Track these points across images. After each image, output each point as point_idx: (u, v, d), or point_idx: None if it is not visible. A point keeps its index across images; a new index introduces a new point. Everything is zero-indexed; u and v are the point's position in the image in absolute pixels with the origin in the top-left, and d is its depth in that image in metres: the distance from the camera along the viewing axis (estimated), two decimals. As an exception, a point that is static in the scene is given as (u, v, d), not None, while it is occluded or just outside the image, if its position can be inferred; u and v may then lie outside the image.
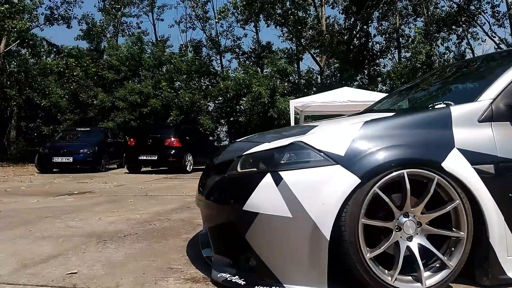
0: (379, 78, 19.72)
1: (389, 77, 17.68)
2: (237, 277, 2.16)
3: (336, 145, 2.07)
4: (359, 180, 1.98)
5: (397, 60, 19.18)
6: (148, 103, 18.12)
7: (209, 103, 18.96)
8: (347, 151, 2.04)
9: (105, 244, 3.18)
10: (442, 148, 2.08)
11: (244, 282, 2.09)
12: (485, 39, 22.92)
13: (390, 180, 2.02)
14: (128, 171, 12.30)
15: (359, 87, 17.81)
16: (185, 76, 19.02)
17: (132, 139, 12.41)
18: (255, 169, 2.17)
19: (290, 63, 18.79)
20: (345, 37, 18.70)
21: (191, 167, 12.28)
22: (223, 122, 20.03)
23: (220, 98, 18.74)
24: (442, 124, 2.16)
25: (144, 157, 11.77)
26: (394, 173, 2.02)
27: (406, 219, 2.07)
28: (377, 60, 20.69)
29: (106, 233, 3.60)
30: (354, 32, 19.29)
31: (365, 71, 20.51)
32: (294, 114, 11.97)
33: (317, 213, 1.96)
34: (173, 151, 11.77)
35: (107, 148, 13.18)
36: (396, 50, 20.77)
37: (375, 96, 11.35)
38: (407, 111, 2.59)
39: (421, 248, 2.07)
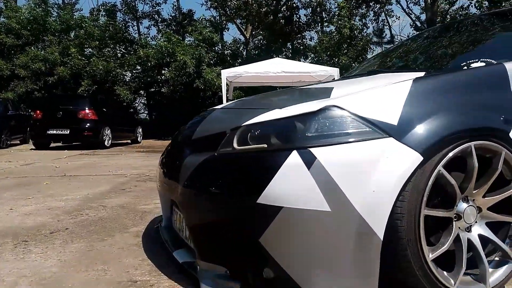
0: (305, 51, 19.62)
1: (315, 50, 17.59)
2: (244, 295, 1.53)
3: (385, 110, 1.50)
4: (421, 158, 1.44)
5: (321, 34, 19.16)
6: (54, 71, 16.13)
7: (125, 73, 17.41)
8: (400, 118, 1.48)
9: (27, 247, 2.34)
10: (506, 114, 1.61)
11: (259, 304, 1.47)
12: (399, 16, 23.87)
13: (453, 156, 1.51)
14: (34, 147, 10.79)
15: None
16: (97, 42, 17.18)
17: (38, 112, 10.84)
18: (264, 145, 1.53)
19: (215, 32, 17.83)
20: (272, 8, 18.16)
21: (110, 141, 11.14)
22: (142, 93, 18.59)
23: (139, 68, 17.29)
24: (500, 84, 1.69)
25: (54, 131, 10.37)
26: (462, 147, 1.51)
27: (466, 205, 1.59)
28: (303, 33, 20.55)
29: (24, 229, 2.72)
30: (281, 3, 18.83)
31: (291, 44, 20.29)
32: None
33: (365, 205, 1.40)
34: (88, 124, 10.52)
35: (8, 122, 11.44)
36: (320, 25, 20.80)
37: (309, 68, 11.07)
38: (453, 69, 2.04)
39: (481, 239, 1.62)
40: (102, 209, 3.34)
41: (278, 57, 13.50)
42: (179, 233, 2.10)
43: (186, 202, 1.77)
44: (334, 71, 10.57)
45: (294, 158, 1.44)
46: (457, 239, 1.56)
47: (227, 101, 10.34)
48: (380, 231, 1.40)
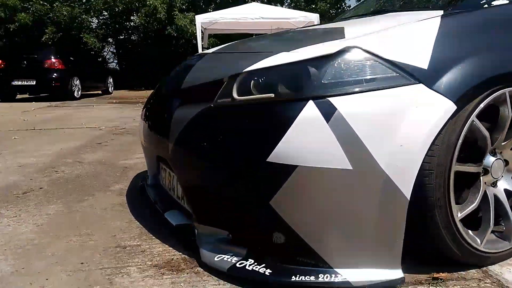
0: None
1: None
2: (251, 261, 1.37)
3: (413, 52, 1.30)
4: (454, 107, 1.26)
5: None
6: (15, 18, 15.00)
7: (92, 19, 16.39)
8: (430, 61, 1.29)
9: (-3, 211, 2.11)
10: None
11: (270, 271, 1.32)
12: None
13: (487, 105, 1.34)
14: (-1, 99, 10.18)
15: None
16: (59, -15, 15.95)
17: (0, 61, 10.11)
18: (271, 95, 1.32)
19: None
20: None
21: (80, 92, 10.63)
22: (110, 41, 17.65)
23: (106, 13, 16.29)
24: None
25: (19, 83, 9.77)
26: (496, 94, 1.34)
27: (494, 158, 1.45)
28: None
29: (-7, 190, 2.47)
30: None
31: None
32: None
33: (391, 161, 1.23)
34: (56, 74, 9.94)
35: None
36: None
37: (288, 13, 10.62)
38: (483, 5, 1.80)
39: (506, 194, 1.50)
40: (79, 165, 3.09)
41: (254, 1, 12.87)
42: (170, 193, 1.91)
43: (179, 161, 1.56)
44: (314, 17, 10.18)
45: (310, 109, 1.24)
46: (484, 195, 1.43)
47: (202, 50, 9.87)
48: (407, 190, 1.24)
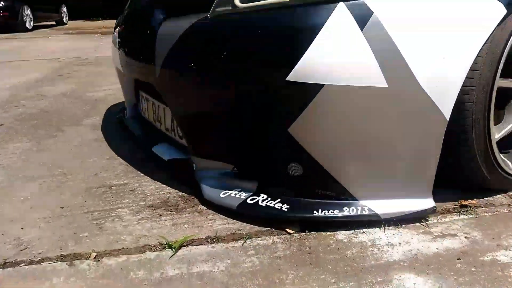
0: None
1: None
2: (264, 196, 1.20)
3: None
4: (504, 11, 1.06)
5: None
6: None
7: None
8: None
9: (-48, 151, 1.82)
10: None
11: (287, 207, 1.15)
12: None
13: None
14: None
15: None
16: None
17: None
18: None
19: None
20: None
21: (32, 23, 9.74)
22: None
23: None
24: None
25: (-39, 12, 8.78)
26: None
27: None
28: None
29: None
30: None
31: None
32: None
33: (432, 77, 1.04)
34: (3, 2, 8.97)
35: None
36: None
37: None
38: None
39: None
40: (42, 99, 2.77)
41: None
42: (155, 124, 1.67)
43: (170, 87, 1.31)
44: None
45: (340, 14, 1.01)
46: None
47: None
48: (447, 110, 1.07)
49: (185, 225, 1.19)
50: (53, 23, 11.52)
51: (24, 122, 2.23)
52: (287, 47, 1.04)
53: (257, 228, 1.17)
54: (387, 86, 1.03)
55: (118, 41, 1.69)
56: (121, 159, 1.70)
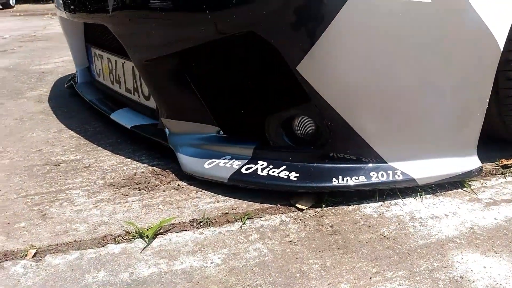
0: None
1: None
2: (263, 164, 0.90)
3: None
4: None
5: None
6: None
7: None
8: None
9: None
10: None
11: (296, 175, 0.87)
12: None
13: None
14: None
15: None
16: None
17: None
18: None
19: None
20: None
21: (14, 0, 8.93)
22: None
23: None
24: None
25: None
26: None
27: None
28: None
29: None
30: None
31: None
32: None
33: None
34: None
35: None
36: None
37: None
38: None
39: None
40: (-23, 73, 2.34)
41: None
42: (113, 87, 1.34)
43: (129, 25, 0.98)
44: None
45: None
46: None
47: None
48: (501, 35, 0.81)
49: (160, 206, 0.88)
50: (-1, 6, 10.66)
51: (-48, 97, 1.83)
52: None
53: (256, 205, 0.88)
54: (430, 0, 0.75)
55: None
56: (72, 131, 1.36)
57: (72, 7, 1.20)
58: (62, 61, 2.62)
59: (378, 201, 0.88)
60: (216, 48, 0.89)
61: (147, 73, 1.03)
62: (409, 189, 0.91)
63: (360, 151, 0.87)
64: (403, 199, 0.89)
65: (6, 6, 10.91)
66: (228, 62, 0.91)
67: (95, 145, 1.23)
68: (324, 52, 0.77)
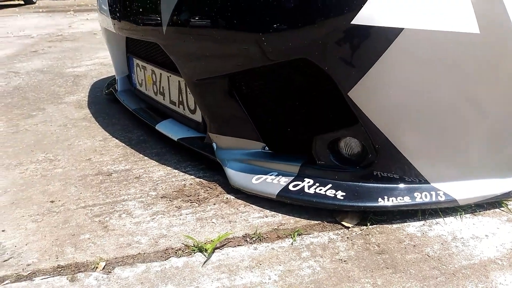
0: None
1: None
2: (310, 181, 0.96)
3: None
4: None
5: None
6: None
7: None
8: None
9: None
10: None
11: (343, 194, 0.91)
12: None
13: None
14: None
15: None
16: None
17: None
18: None
19: None
20: None
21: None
22: None
23: None
24: None
25: None
26: None
27: None
28: None
29: None
30: None
31: None
32: None
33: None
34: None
35: None
36: None
37: None
38: None
39: None
40: (15, 76, 2.43)
41: None
42: (156, 98, 1.40)
43: (182, 45, 1.03)
44: None
45: None
46: None
47: None
48: (547, 66, 0.84)
49: (213, 220, 0.94)
50: (21, 2, 10.84)
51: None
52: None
53: (303, 221, 0.93)
54: (478, 32, 0.79)
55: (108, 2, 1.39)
56: (117, 140, 1.42)
57: (122, 24, 1.26)
58: (93, 64, 2.70)
59: (420, 220, 0.93)
60: (268, 71, 0.94)
61: (197, 91, 1.08)
62: (449, 208, 0.95)
63: (404, 172, 0.91)
64: (444, 218, 0.93)
65: (28, 2, 11.10)
66: (278, 84, 0.96)
67: (141, 155, 1.30)
68: (376, 80, 0.82)
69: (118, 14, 1.27)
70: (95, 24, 5.17)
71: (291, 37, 0.84)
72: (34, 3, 11.23)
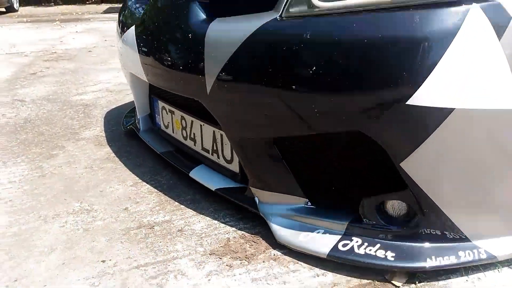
0: None
1: None
2: (358, 241, 1.01)
3: None
4: None
5: None
6: None
7: None
8: None
9: None
10: None
11: (393, 254, 0.97)
12: None
13: None
14: None
15: None
16: None
17: None
18: None
19: None
20: None
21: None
22: None
23: None
24: None
25: None
26: None
27: None
28: None
29: None
30: None
31: None
32: None
33: None
34: None
35: None
36: None
37: None
38: None
39: None
40: (21, 105, 2.42)
41: None
42: (185, 142, 1.44)
43: (227, 105, 1.07)
44: None
45: (476, 19, 0.81)
46: None
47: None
48: None
49: (268, 281, 0.98)
50: (2, 9, 10.64)
51: (11, 137, 1.91)
52: (408, 63, 0.83)
53: (355, 280, 0.98)
54: (525, 109, 0.85)
55: (138, 42, 1.40)
56: (148, 185, 1.45)
57: (158, 78, 1.29)
58: (99, 90, 2.70)
59: (463, 275, 0.98)
60: (317, 137, 0.99)
61: (240, 147, 1.12)
62: (489, 263, 1.01)
63: (449, 231, 0.96)
64: (485, 273, 0.99)
65: (10, 10, 10.89)
66: (327, 150, 1.01)
67: (177, 203, 1.32)
68: (428, 154, 0.87)
69: (153, 66, 1.29)
70: (86, 38, 5.13)
71: (346, 111, 0.89)
72: (17, 11, 11.05)
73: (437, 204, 0.94)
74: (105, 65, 3.54)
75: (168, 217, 1.25)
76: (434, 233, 0.98)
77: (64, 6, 11.47)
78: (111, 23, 7.25)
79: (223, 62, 1.03)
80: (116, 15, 8.69)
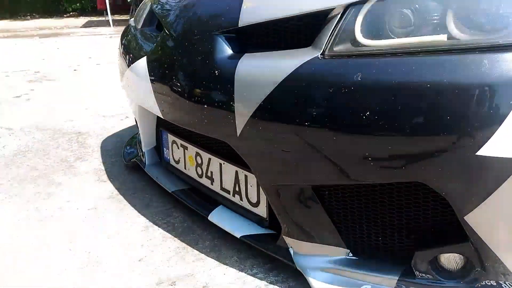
0: None
1: None
2: (413, 299, 0.91)
3: None
4: None
5: None
6: None
7: None
8: None
9: None
10: None
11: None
12: None
13: None
14: None
15: None
16: None
17: None
18: (442, 38, 0.79)
19: None
20: None
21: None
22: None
23: None
24: None
25: None
26: None
27: None
28: None
29: None
30: None
31: None
32: None
33: None
34: None
35: None
36: None
37: None
38: None
39: None
40: (9, 134, 2.26)
41: None
42: (200, 180, 1.33)
43: (260, 149, 0.97)
44: None
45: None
46: None
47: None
48: None
49: None
50: (-24, 24, 10.30)
51: (1, 173, 1.76)
52: (479, 110, 0.75)
53: None
54: None
55: (152, 75, 1.26)
56: (160, 229, 1.33)
57: (177, 115, 1.17)
58: (91, 116, 2.56)
59: (527, 334, 0.90)
60: (367, 187, 0.90)
61: (274, 193, 1.02)
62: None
63: (503, 280, 0.88)
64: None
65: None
66: (377, 199, 0.92)
67: (196, 251, 1.21)
68: (496, 205, 0.79)
69: (171, 103, 1.17)
70: (69, 55, 4.96)
71: (405, 161, 0.80)
72: None
73: (498, 255, 0.85)
74: (94, 86, 3.39)
75: (189, 269, 1.13)
76: (490, 283, 0.89)
77: (41, 20, 11.19)
78: (92, 37, 7.09)
79: (258, 103, 0.93)
80: (95, 29, 8.51)
